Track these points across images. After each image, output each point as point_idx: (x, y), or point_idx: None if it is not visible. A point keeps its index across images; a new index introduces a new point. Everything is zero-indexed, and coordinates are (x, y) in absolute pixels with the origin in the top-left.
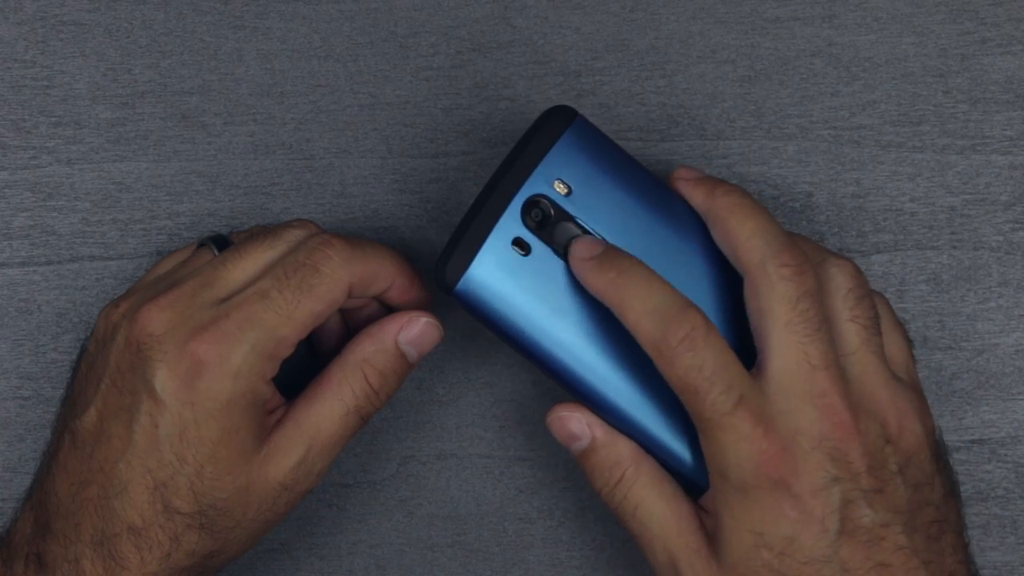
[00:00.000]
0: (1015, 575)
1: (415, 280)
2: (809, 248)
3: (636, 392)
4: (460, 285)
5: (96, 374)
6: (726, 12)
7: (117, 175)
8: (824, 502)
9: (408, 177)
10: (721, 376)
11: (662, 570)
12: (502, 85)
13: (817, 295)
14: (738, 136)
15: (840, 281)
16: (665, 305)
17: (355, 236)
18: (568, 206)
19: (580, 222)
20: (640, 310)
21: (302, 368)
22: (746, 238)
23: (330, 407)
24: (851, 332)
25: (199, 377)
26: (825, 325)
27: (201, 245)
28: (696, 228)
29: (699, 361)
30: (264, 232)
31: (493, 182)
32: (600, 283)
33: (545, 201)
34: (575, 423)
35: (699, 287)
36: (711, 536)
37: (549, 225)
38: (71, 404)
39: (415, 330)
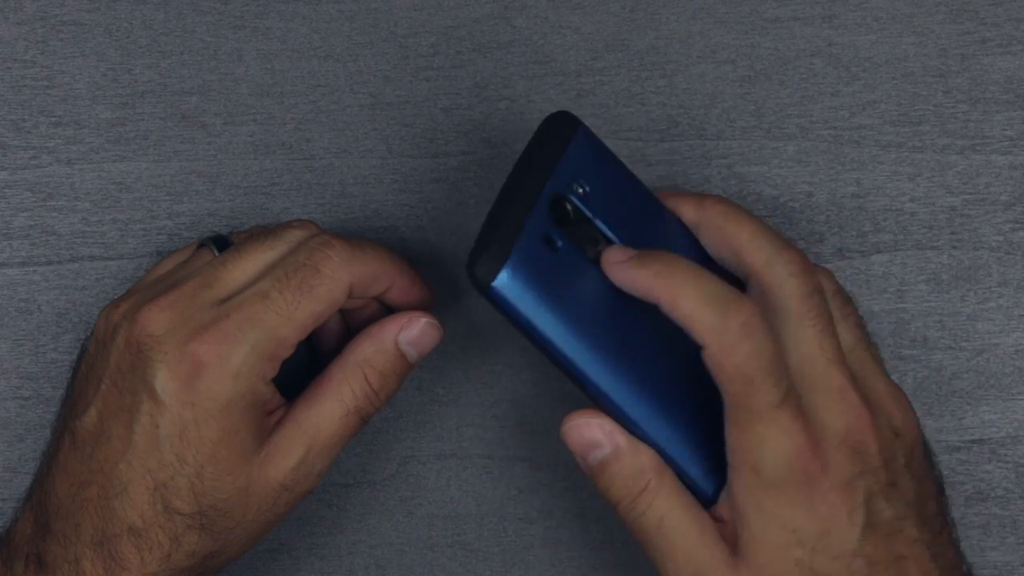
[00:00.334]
0: (1015, 575)
1: (415, 280)
2: None
3: (658, 399)
4: (496, 282)
5: (96, 374)
6: (726, 12)
7: (117, 175)
8: (851, 497)
9: (408, 177)
10: (775, 366)
11: None
12: (502, 85)
13: (822, 292)
14: (738, 136)
15: (826, 284)
16: (720, 293)
17: (355, 236)
18: (586, 207)
19: (598, 223)
20: (695, 297)
21: (302, 369)
22: (748, 240)
23: (330, 407)
24: (845, 330)
25: (199, 378)
26: (831, 321)
27: (201, 245)
28: (688, 236)
29: (758, 349)
30: (264, 232)
31: (514, 182)
32: (645, 277)
33: (567, 201)
34: (596, 430)
35: None
36: (732, 544)
37: (571, 224)
38: (71, 404)
39: (415, 330)
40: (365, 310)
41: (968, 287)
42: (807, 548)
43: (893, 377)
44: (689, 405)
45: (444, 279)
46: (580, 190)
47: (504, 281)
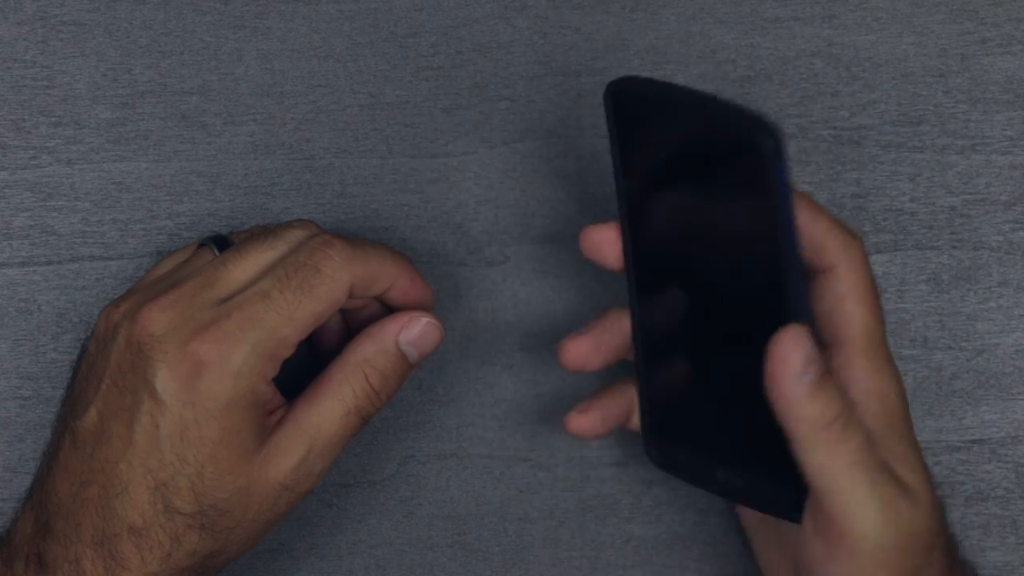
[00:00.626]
0: (1015, 575)
1: (416, 280)
2: None
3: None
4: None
5: (96, 374)
6: (726, 12)
7: (117, 175)
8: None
9: (408, 177)
10: None
11: None
12: (502, 85)
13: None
14: None
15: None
16: (842, 222)
17: (355, 236)
18: None
19: None
20: (830, 219)
21: (302, 368)
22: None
23: (330, 407)
24: None
25: (200, 377)
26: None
27: (201, 245)
28: None
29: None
30: (265, 232)
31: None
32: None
33: None
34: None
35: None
36: None
37: None
38: (71, 404)
39: (416, 330)
40: (365, 310)
41: (968, 287)
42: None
43: None
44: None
45: (444, 279)
46: None
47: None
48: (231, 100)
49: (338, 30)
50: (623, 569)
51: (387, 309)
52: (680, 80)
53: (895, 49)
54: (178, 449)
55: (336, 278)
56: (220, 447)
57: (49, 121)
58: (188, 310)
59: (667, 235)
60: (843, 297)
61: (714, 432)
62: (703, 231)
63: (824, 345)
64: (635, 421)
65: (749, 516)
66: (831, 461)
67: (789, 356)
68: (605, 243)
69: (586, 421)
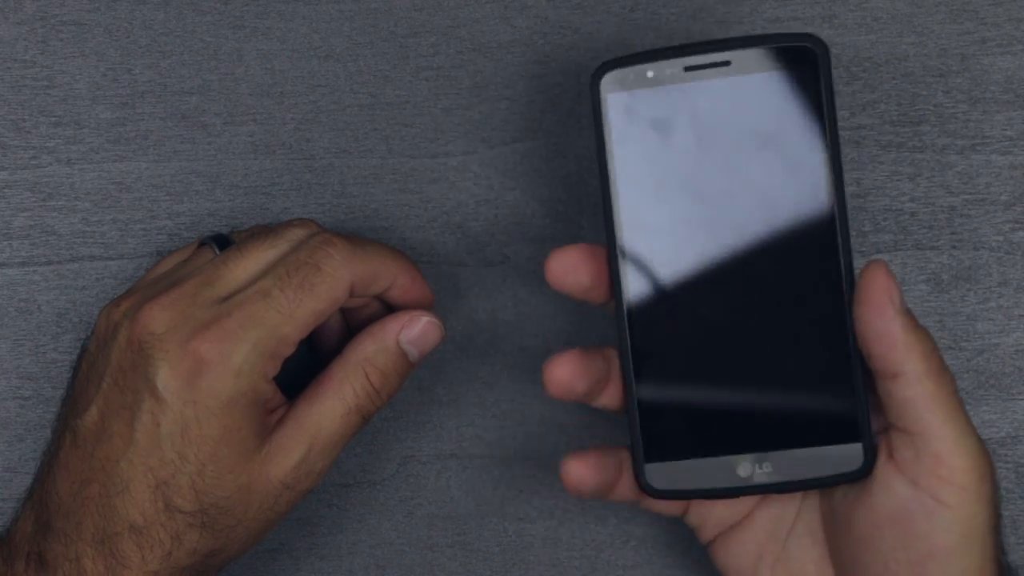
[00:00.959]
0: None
1: (416, 279)
2: None
3: None
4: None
5: (97, 373)
6: (726, 12)
7: (117, 175)
8: None
9: (408, 177)
10: None
11: None
12: (502, 85)
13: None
14: None
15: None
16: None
17: (356, 236)
18: None
19: None
20: None
21: (303, 367)
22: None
23: (331, 406)
24: None
25: (201, 375)
26: None
27: (202, 244)
28: None
29: None
30: (265, 231)
31: None
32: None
33: None
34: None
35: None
36: None
37: None
38: (72, 403)
39: (416, 329)
40: (366, 309)
41: (968, 287)
42: None
43: None
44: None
45: (444, 279)
46: None
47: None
48: (231, 100)
49: (338, 30)
50: (623, 569)
51: (388, 308)
52: None
53: (895, 49)
54: (179, 447)
55: (337, 276)
56: (221, 445)
57: (49, 121)
58: (189, 309)
59: (670, 222)
60: (911, 400)
61: (735, 425)
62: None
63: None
64: (618, 491)
65: (744, 565)
66: (939, 391)
67: (890, 286)
68: (577, 263)
69: (586, 467)
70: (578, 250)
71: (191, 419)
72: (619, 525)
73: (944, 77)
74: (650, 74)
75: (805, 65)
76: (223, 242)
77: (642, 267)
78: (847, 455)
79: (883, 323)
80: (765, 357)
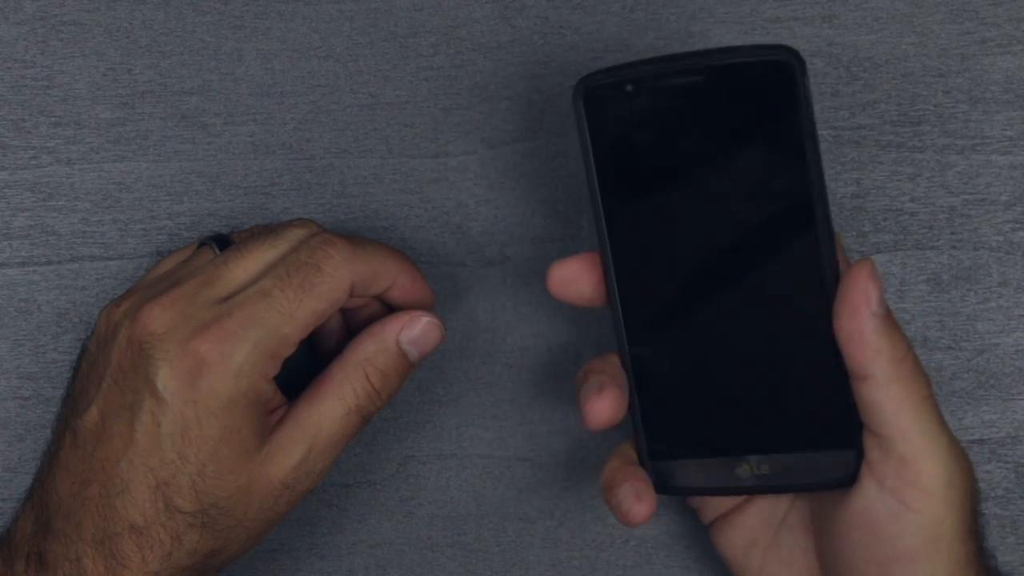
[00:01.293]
0: (1015, 575)
1: (417, 279)
2: None
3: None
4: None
5: (97, 373)
6: (726, 12)
7: (117, 175)
8: None
9: (408, 177)
10: None
11: None
12: (502, 85)
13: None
14: None
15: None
16: None
17: (356, 236)
18: None
19: None
20: None
21: (303, 367)
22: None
23: (331, 406)
24: None
25: (201, 376)
26: None
27: (202, 244)
28: None
29: None
30: (266, 231)
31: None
32: None
33: None
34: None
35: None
36: None
37: None
38: (72, 403)
39: (416, 330)
40: (366, 309)
41: (968, 287)
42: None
43: None
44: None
45: (444, 279)
46: None
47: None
48: (231, 100)
49: (338, 30)
50: (623, 569)
51: (388, 308)
52: None
53: (895, 49)
54: (179, 448)
55: (337, 276)
56: (221, 445)
57: (49, 121)
58: (189, 309)
59: (658, 231)
60: (879, 403)
61: (732, 428)
62: (706, 212)
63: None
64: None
65: (739, 548)
66: (907, 396)
67: (870, 287)
68: (577, 275)
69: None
70: (578, 261)
71: (191, 419)
72: (619, 525)
73: (944, 77)
74: (629, 87)
75: (782, 77)
76: (223, 242)
77: (635, 274)
78: (839, 461)
79: (855, 324)
80: (761, 361)
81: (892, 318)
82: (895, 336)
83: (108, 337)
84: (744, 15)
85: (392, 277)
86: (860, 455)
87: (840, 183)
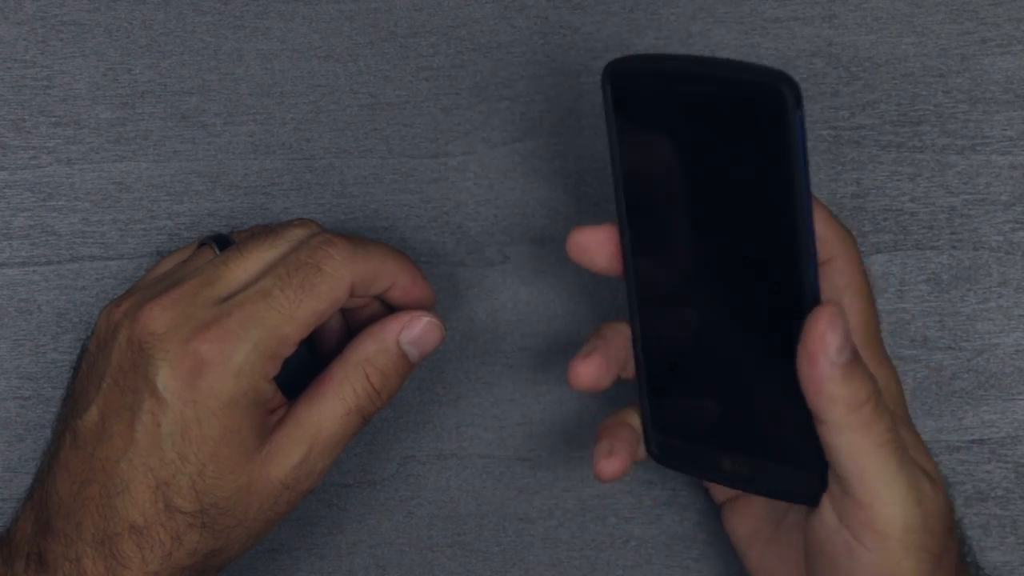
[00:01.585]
0: (1015, 575)
1: (417, 279)
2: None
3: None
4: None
5: (97, 373)
6: (726, 12)
7: (117, 175)
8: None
9: (408, 177)
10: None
11: None
12: (502, 85)
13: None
14: None
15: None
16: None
17: (356, 236)
18: None
19: None
20: (825, 212)
21: (303, 368)
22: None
23: (331, 407)
24: None
25: (201, 376)
26: None
27: (202, 244)
28: None
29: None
30: (266, 231)
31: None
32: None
33: None
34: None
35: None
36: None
37: None
38: (72, 403)
39: (416, 330)
40: (366, 309)
41: (968, 287)
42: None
43: None
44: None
45: (444, 279)
46: None
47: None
48: (231, 100)
49: (338, 30)
50: (623, 569)
51: (388, 308)
52: None
53: (895, 49)
54: (179, 448)
55: (337, 276)
56: (221, 445)
57: (49, 121)
58: (189, 309)
59: (671, 224)
60: (842, 290)
61: (721, 422)
62: (711, 215)
63: None
64: (642, 451)
65: (742, 535)
66: (862, 442)
67: (827, 334)
68: (594, 246)
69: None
70: (599, 232)
71: (191, 419)
72: (619, 525)
73: (944, 77)
74: (652, 78)
75: (776, 105)
76: (223, 242)
77: (648, 254)
78: (807, 481)
79: (811, 371)
80: (749, 368)
81: (855, 363)
82: (855, 383)
83: (108, 337)
84: (744, 15)
85: (392, 277)
86: (824, 483)
87: (840, 183)
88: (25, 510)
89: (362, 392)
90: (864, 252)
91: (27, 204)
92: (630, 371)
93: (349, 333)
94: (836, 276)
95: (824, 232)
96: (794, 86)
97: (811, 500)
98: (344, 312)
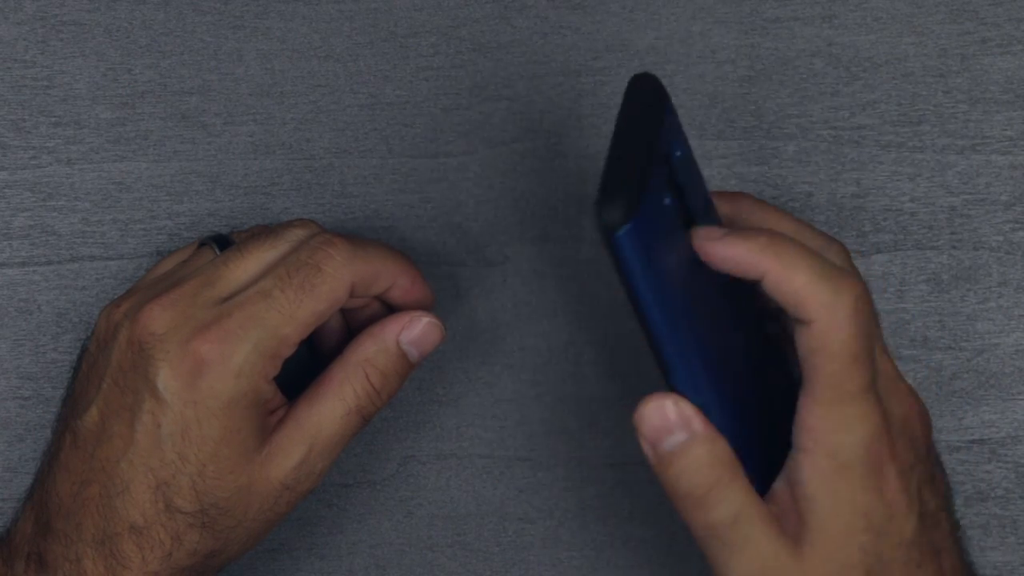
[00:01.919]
0: (1015, 575)
1: (417, 280)
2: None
3: (724, 383)
4: (621, 232)
5: (97, 373)
6: (726, 12)
7: (117, 175)
8: (910, 484)
9: (408, 177)
10: (875, 347)
11: None
12: (502, 85)
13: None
14: (738, 136)
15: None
16: (831, 268)
17: (356, 236)
18: (680, 174)
19: (687, 192)
20: (807, 271)
21: (303, 368)
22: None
23: (331, 407)
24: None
25: (201, 376)
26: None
27: (202, 244)
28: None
29: (867, 327)
30: (266, 232)
31: (627, 137)
32: (750, 252)
33: (672, 163)
34: (673, 413)
35: None
36: (793, 534)
37: (675, 187)
38: (72, 403)
39: (416, 330)
40: (366, 309)
41: (968, 287)
42: (874, 533)
43: None
44: (749, 393)
45: (444, 279)
46: (677, 153)
47: (629, 231)
48: (231, 100)
49: (338, 30)
50: (623, 569)
51: (388, 309)
52: (680, 80)
53: (895, 49)
54: (179, 448)
55: (337, 277)
56: (221, 446)
57: (49, 121)
58: (189, 309)
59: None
60: (813, 352)
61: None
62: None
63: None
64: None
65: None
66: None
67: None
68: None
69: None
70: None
71: (191, 420)
72: (619, 525)
73: (944, 77)
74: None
75: (601, 225)
76: (223, 242)
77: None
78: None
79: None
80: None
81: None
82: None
83: (108, 337)
84: (744, 15)
85: (392, 277)
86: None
87: (840, 183)
88: (25, 510)
89: (362, 392)
90: (864, 252)
91: (27, 204)
92: None
93: (349, 333)
94: (811, 339)
95: (805, 296)
96: (621, 203)
97: None
98: (344, 312)
